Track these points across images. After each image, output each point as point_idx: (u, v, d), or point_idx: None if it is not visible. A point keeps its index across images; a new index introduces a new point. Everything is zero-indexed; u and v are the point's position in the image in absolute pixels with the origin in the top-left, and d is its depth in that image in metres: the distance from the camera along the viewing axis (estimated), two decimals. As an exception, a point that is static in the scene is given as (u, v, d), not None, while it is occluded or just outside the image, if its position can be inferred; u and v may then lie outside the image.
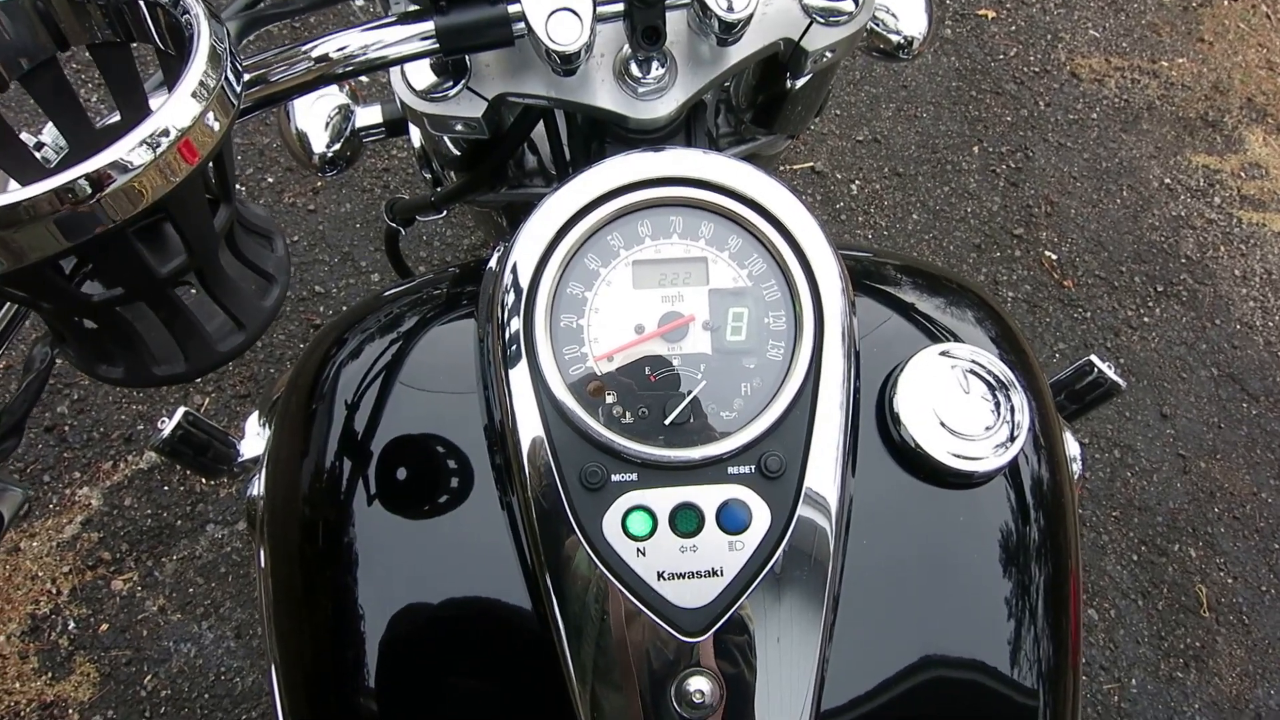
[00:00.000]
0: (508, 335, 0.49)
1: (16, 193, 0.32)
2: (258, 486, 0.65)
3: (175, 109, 0.35)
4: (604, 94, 0.63)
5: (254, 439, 1.04)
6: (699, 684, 0.45)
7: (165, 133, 0.35)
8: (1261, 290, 2.23)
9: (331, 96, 0.87)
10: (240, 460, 0.94)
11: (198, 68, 0.36)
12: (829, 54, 0.65)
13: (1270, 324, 2.19)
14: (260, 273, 0.46)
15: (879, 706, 0.49)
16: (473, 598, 0.52)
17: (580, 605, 0.47)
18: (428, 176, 0.93)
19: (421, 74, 0.63)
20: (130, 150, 0.34)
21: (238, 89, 0.39)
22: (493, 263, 0.56)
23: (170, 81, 0.46)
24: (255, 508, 0.65)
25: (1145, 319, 2.14)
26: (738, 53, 0.63)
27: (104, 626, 1.51)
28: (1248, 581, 1.81)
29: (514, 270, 0.49)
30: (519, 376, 0.48)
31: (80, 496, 1.58)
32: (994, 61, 2.47)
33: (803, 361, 0.48)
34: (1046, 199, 2.27)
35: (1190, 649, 1.71)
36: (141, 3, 0.40)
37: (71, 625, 1.51)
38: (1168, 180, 2.38)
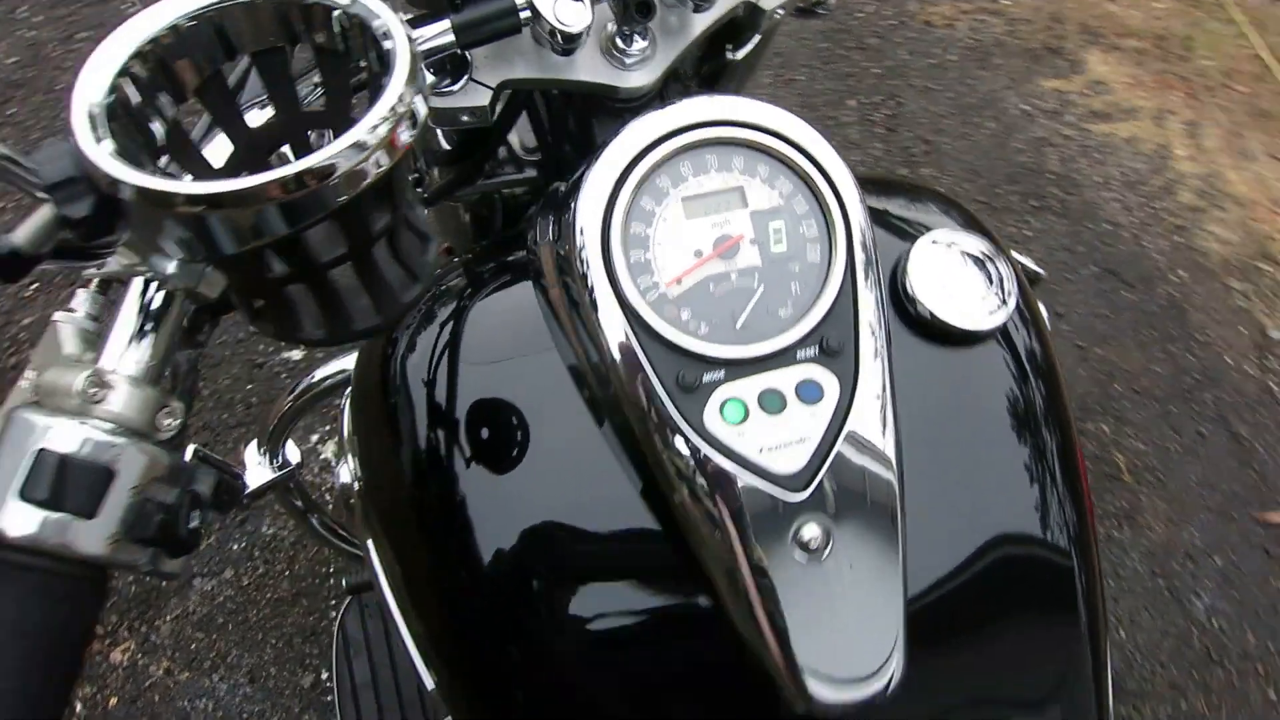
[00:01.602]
0: (591, 280, 0.56)
1: (285, 169, 0.38)
2: (346, 474, 0.70)
3: (377, 117, 0.41)
4: (595, 69, 0.71)
5: (256, 468, 1.07)
6: (812, 530, 0.54)
7: (374, 133, 0.41)
8: (1121, 191, 2.47)
9: None
10: (248, 491, 0.96)
11: (399, 78, 0.43)
12: (779, 12, 0.75)
13: (1134, 220, 2.43)
14: (409, 271, 0.52)
15: (951, 530, 0.59)
16: (596, 519, 0.60)
17: (701, 491, 0.54)
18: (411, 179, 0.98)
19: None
20: (360, 137, 0.40)
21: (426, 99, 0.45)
22: (547, 233, 0.62)
23: (330, 82, 0.51)
24: (350, 494, 0.70)
25: (1027, 233, 2.35)
26: (705, 20, 0.72)
27: (113, 701, 1.50)
28: (1156, 444, 2.02)
29: (583, 229, 0.57)
30: (609, 313, 0.55)
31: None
32: (854, 20, 2.65)
33: (840, 257, 0.58)
34: (922, 139, 2.46)
35: (1120, 510, 1.91)
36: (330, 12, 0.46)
37: (79, 707, 1.49)
38: (1025, 107, 2.60)
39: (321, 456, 1.75)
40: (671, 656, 0.58)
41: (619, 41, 0.71)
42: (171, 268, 0.44)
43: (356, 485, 0.70)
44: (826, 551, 0.54)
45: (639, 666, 0.59)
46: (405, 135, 0.42)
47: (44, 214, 0.38)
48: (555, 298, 0.61)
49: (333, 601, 1.57)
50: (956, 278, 0.63)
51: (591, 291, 0.56)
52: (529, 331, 0.65)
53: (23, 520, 0.40)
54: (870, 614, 0.55)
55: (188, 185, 0.37)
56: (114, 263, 0.46)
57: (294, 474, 1.06)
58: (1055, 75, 2.74)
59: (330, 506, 1.54)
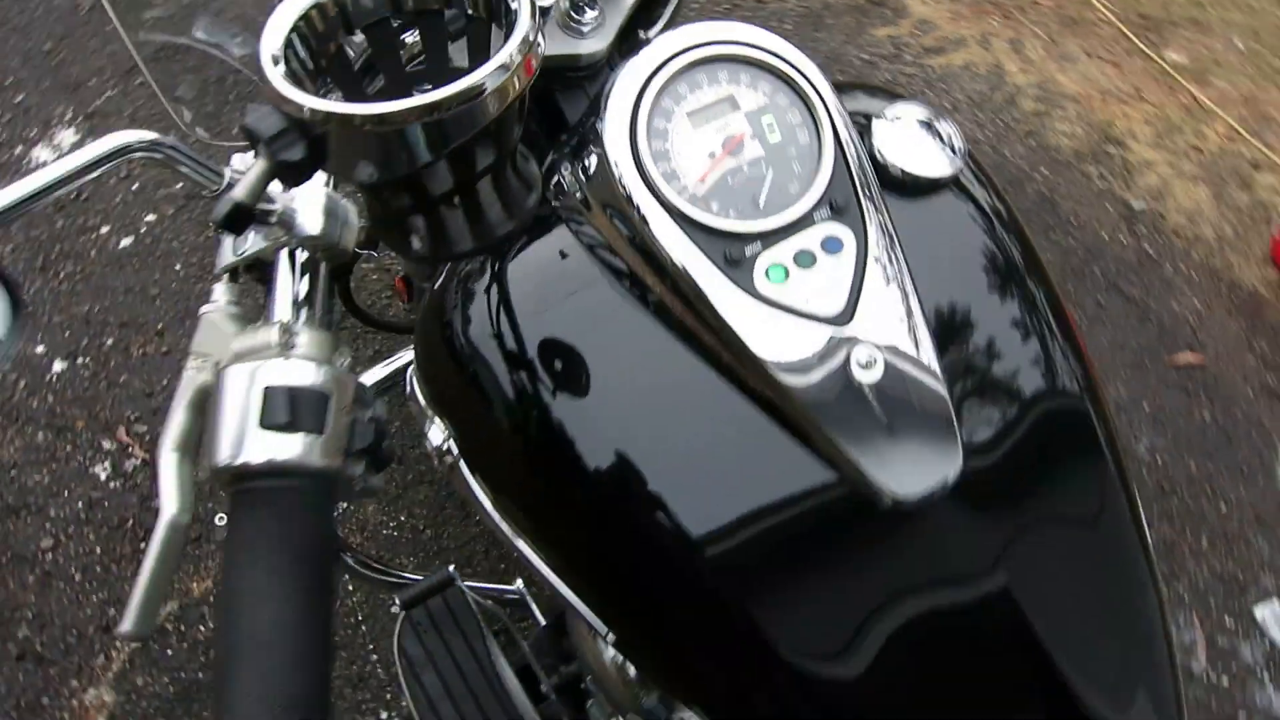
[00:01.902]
0: (636, 199, 0.65)
1: (457, 84, 0.46)
2: (436, 437, 0.77)
3: (516, 42, 0.50)
4: (557, 43, 0.81)
5: None
6: (863, 353, 0.64)
7: (513, 57, 0.49)
8: (972, 112, 2.70)
9: None
10: None
11: (525, 14, 0.51)
12: None
13: (989, 134, 2.66)
14: (525, 182, 0.60)
15: (973, 344, 0.71)
16: (685, 403, 0.68)
17: (768, 342, 0.64)
18: None
19: None
20: (504, 60, 0.48)
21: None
22: (578, 179, 0.71)
23: (429, 42, 0.60)
24: (443, 454, 0.77)
25: (902, 165, 2.54)
26: None
27: (173, 803, 1.48)
28: (1066, 320, 2.23)
29: (617, 161, 0.66)
30: (658, 220, 0.65)
31: (90, 700, 1.53)
32: (691, 11, 2.82)
33: (827, 134, 0.69)
34: (788, 104, 2.63)
35: (1054, 383, 2.10)
36: None
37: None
38: (865, 56, 2.82)
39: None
40: (775, 494, 0.67)
41: (574, 14, 0.81)
42: (316, 229, 0.52)
43: (446, 445, 0.77)
44: (879, 368, 0.65)
45: (755, 515, 0.67)
46: (534, 61, 0.51)
47: (258, 168, 0.45)
48: (603, 225, 0.70)
49: (370, 647, 1.59)
50: (914, 141, 0.75)
51: (639, 209, 0.65)
52: (572, 269, 0.73)
53: (264, 447, 0.47)
54: (925, 413, 0.65)
55: (395, 104, 0.45)
56: (259, 241, 0.53)
57: None
58: (884, 24, 2.98)
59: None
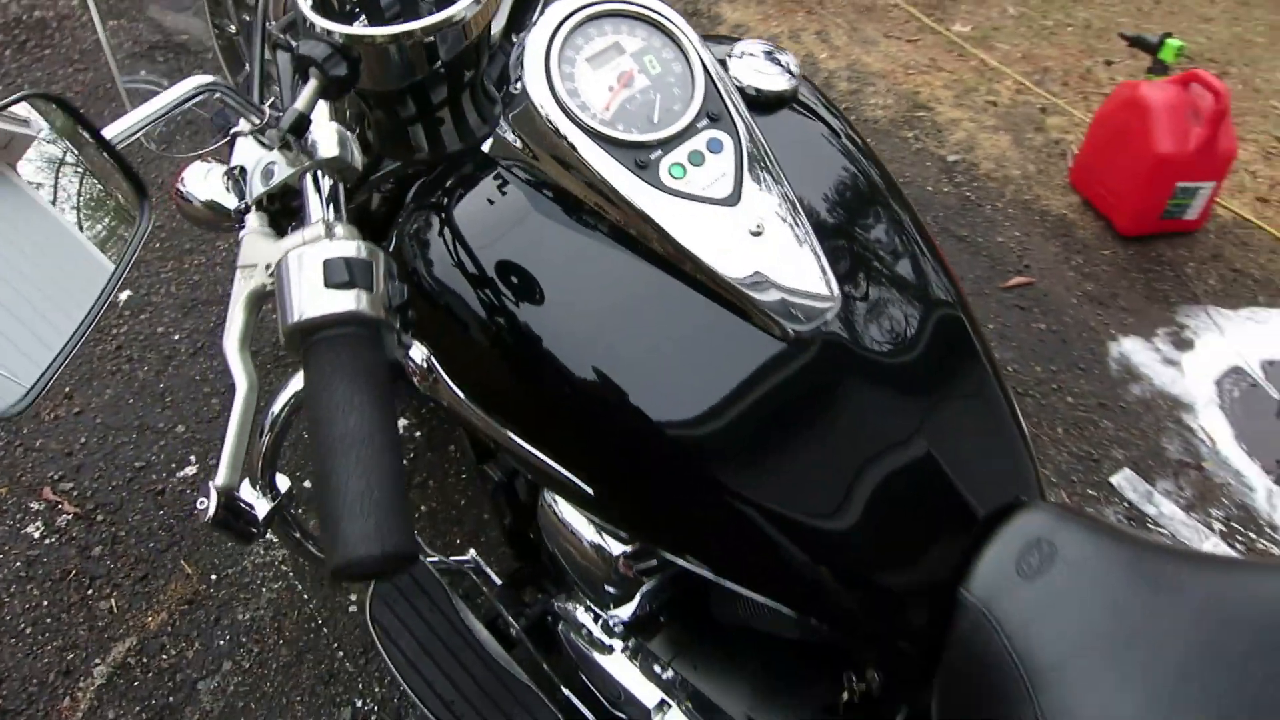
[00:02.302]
0: (563, 130, 0.82)
1: (451, 9, 0.62)
2: (419, 356, 0.91)
3: None
4: None
5: (259, 503, 1.21)
6: (753, 222, 0.83)
7: None
8: (798, 95, 3.01)
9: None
10: (261, 520, 1.08)
11: None
12: None
13: (816, 113, 2.97)
14: (489, 96, 0.75)
15: (834, 210, 0.90)
16: (622, 286, 0.83)
17: (680, 224, 0.82)
18: None
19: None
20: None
21: None
22: (508, 129, 0.87)
23: None
24: (426, 370, 0.91)
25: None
26: None
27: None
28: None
29: (542, 105, 0.83)
30: (582, 144, 0.81)
31: (63, 742, 1.54)
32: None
33: (696, 64, 0.87)
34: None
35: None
36: None
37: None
38: (699, 59, 3.09)
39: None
40: (705, 344, 0.83)
41: None
42: (334, 152, 0.66)
43: (428, 364, 0.91)
44: (766, 234, 0.84)
45: (694, 363, 0.82)
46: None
47: (311, 86, 0.59)
48: (543, 158, 0.86)
49: (334, 645, 1.67)
50: (760, 67, 0.96)
51: (566, 138, 0.82)
52: (509, 202, 0.89)
53: (330, 302, 0.60)
54: (805, 263, 0.84)
55: (404, 25, 0.60)
56: (285, 170, 0.67)
57: (286, 503, 1.18)
58: (703, 32, 3.28)
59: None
